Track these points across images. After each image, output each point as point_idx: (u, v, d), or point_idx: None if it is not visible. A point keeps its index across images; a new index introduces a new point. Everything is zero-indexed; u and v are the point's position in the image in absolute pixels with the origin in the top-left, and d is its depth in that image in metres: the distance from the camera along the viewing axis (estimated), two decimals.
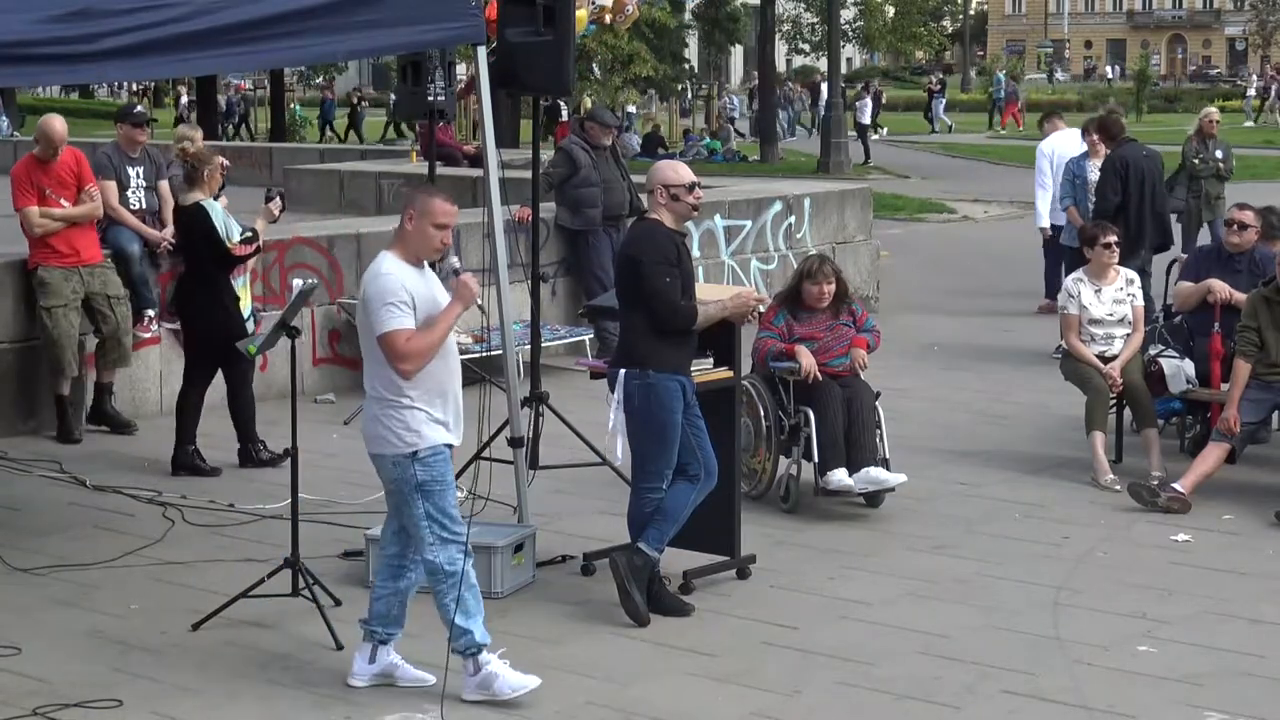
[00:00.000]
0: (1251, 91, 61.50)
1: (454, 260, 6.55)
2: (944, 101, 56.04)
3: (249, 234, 10.16)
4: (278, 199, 10.27)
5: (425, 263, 6.47)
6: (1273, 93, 59.77)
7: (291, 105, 51.19)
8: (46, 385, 10.96)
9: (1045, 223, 15.86)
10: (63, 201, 10.77)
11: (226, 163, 10.88)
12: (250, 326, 10.31)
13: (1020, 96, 58.17)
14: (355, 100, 51.34)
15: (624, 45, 37.33)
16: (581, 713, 6.39)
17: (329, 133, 50.08)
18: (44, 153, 10.88)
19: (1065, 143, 15.80)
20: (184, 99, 50.84)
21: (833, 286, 9.42)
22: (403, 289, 6.25)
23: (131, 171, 11.45)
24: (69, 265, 10.74)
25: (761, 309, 9.03)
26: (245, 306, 10.45)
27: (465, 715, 6.32)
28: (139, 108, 12.29)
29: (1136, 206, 12.99)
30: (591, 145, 13.57)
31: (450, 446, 6.46)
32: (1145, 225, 13.04)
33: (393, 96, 50.39)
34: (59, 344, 10.73)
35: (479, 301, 6.50)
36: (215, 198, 10.41)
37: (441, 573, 6.39)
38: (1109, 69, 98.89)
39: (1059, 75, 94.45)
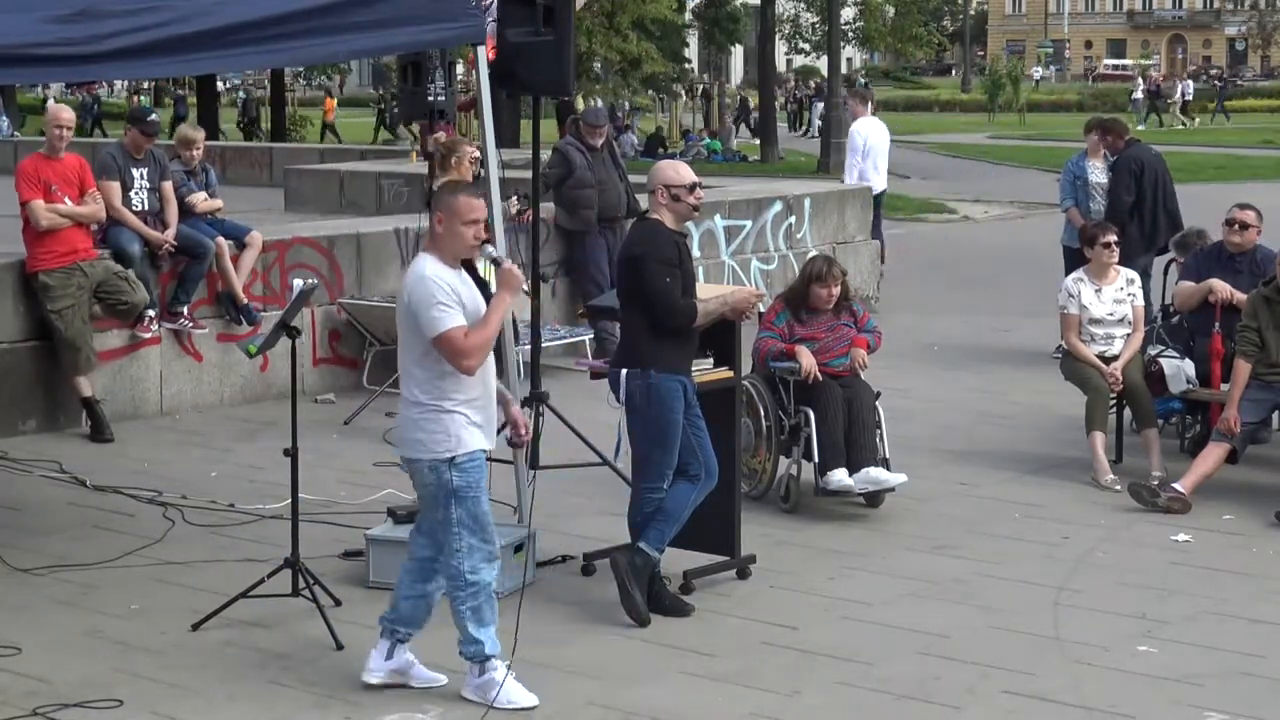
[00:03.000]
0: (1139, 95, 61.74)
1: (490, 249, 6.55)
2: (822, 106, 55.98)
3: None
4: (515, 199, 10.87)
5: (460, 263, 6.47)
6: (1180, 93, 60.36)
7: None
8: (67, 388, 10.95)
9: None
10: (66, 200, 10.78)
11: (476, 153, 11.10)
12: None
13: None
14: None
15: (631, 47, 37.32)
16: (581, 713, 6.39)
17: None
18: (47, 144, 10.92)
19: (872, 126, 17.83)
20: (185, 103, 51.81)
21: (840, 288, 9.43)
22: (448, 287, 6.28)
23: (135, 173, 11.45)
24: (68, 264, 10.74)
25: (762, 307, 9.04)
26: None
27: (466, 715, 6.32)
28: (153, 116, 12.22)
29: (1151, 206, 13.31)
30: (586, 146, 13.56)
31: (488, 449, 6.43)
32: (1159, 226, 13.19)
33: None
34: (74, 344, 10.74)
35: (525, 288, 6.47)
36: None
37: (464, 580, 6.38)
38: (1037, 70, 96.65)
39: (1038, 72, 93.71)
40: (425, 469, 6.36)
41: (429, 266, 6.36)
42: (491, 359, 6.50)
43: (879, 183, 17.69)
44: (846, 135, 37.79)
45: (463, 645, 6.44)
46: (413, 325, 6.33)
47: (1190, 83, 65.69)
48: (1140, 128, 53.31)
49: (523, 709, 6.35)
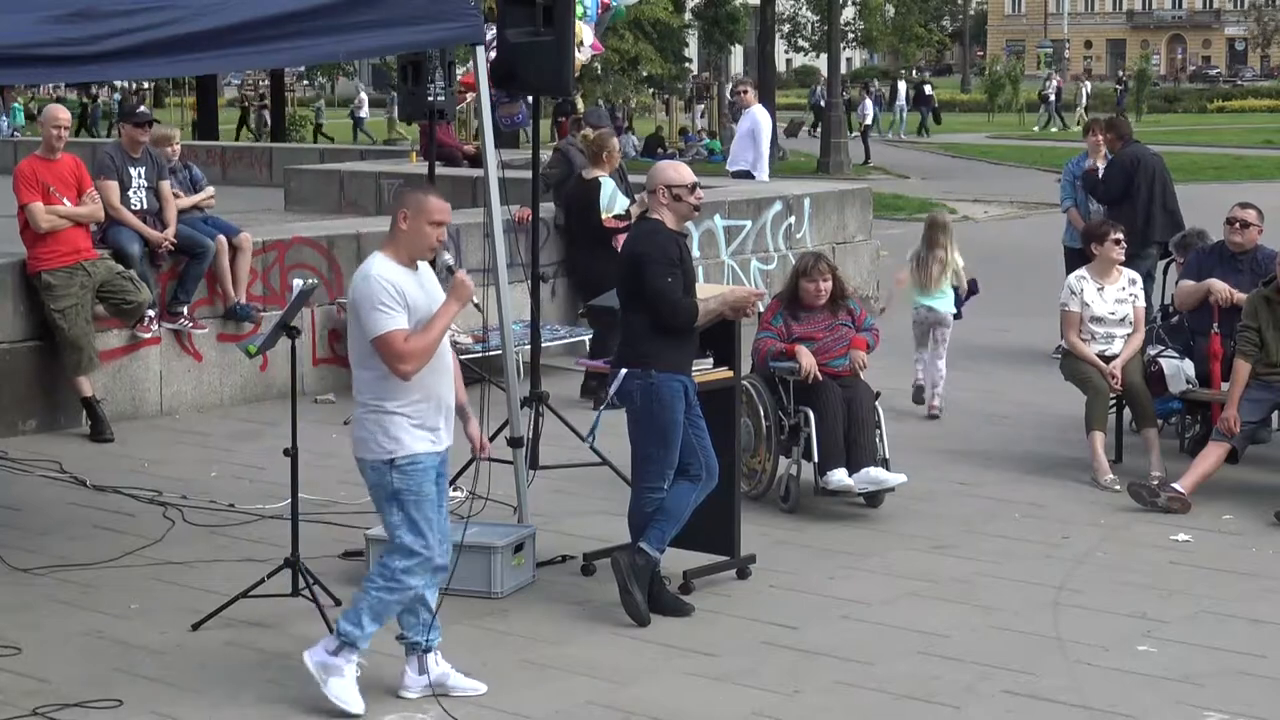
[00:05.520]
0: (1052, 95, 61.63)
1: (447, 257, 6.52)
2: (866, 104, 55.92)
3: (624, 213, 11.86)
4: (641, 198, 11.83)
5: (419, 263, 6.39)
6: (1084, 94, 60.07)
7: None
8: (67, 388, 10.94)
9: (737, 168, 18.17)
10: (65, 201, 10.78)
11: (620, 148, 12.79)
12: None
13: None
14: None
15: (629, 48, 37.34)
16: (581, 713, 6.39)
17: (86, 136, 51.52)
18: (43, 145, 10.92)
19: (766, 114, 18.57)
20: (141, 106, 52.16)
21: (829, 283, 9.42)
22: (393, 289, 6.19)
23: (133, 171, 11.44)
24: (71, 264, 10.74)
25: (761, 307, 9.04)
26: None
27: (466, 716, 6.31)
28: (142, 108, 12.31)
29: (1145, 202, 13.38)
30: None
31: (438, 453, 6.36)
32: (1154, 221, 13.23)
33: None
34: (77, 344, 10.74)
35: (475, 300, 6.46)
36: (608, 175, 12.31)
37: (390, 574, 6.31)
38: (1053, 80, 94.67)
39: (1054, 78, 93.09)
40: (369, 469, 6.36)
41: (377, 265, 6.27)
42: (446, 362, 6.39)
43: (765, 171, 18.21)
44: (855, 131, 37.55)
45: (343, 619, 6.36)
46: (357, 325, 6.28)
47: (1089, 84, 65.43)
48: (1036, 129, 53.16)
49: (349, 714, 6.27)
